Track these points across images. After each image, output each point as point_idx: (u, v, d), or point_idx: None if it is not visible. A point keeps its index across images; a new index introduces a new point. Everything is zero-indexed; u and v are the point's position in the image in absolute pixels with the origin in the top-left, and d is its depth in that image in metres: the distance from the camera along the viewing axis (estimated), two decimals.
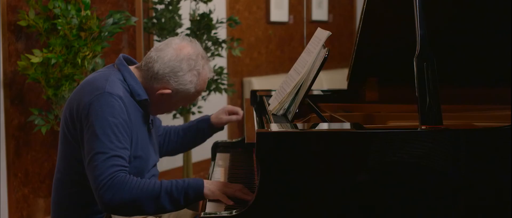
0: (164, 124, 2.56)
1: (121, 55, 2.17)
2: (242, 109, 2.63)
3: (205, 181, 1.96)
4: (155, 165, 2.26)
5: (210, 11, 4.31)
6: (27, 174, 3.57)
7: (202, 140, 2.57)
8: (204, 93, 4.39)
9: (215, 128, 2.53)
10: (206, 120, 2.53)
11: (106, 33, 3.34)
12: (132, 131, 2.03)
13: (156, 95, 2.10)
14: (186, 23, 4.42)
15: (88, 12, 3.22)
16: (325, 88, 3.37)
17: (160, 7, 4.30)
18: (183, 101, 2.17)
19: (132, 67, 2.14)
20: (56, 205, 2.16)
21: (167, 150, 2.52)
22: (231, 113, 2.54)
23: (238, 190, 1.95)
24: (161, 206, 1.91)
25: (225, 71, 4.51)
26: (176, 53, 2.08)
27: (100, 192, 1.90)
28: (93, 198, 2.05)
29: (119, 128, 1.96)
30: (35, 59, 3.14)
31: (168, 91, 2.09)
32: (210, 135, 2.55)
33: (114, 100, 1.98)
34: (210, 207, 1.97)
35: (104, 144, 1.92)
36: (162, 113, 2.23)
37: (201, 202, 2.06)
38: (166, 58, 2.07)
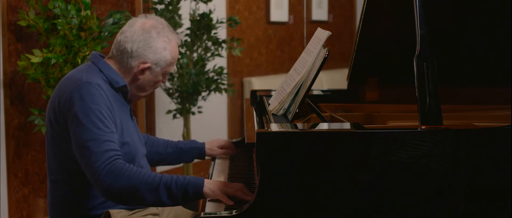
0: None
1: (93, 52, 2.22)
2: (242, 109, 2.63)
3: (206, 180, 1.97)
4: (144, 156, 2.26)
5: (210, 11, 4.30)
6: (27, 174, 3.57)
7: (186, 162, 2.61)
8: (204, 93, 4.39)
9: (204, 156, 2.59)
10: (200, 148, 2.56)
11: (106, 33, 3.34)
12: (116, 117, 2.05)
13: (137, 73, 2.13)
14: (186, 23, 4.42)
15: (88, 12, 3.22)
16: (325, 88, 3.37)
17: (160, 7, 4.30)
18: (162, 74, 2.18)
19: (105, 60, 2.17)
20: (52, 206, 2.17)
21: (152, 161, 2.53)
22: (223, 148, 2.58)
23: (238, 190, 1.95)
24: (159, 199, 1.92)
25: (225, 71, 4.51)
26: (142, 27, 2.13)
27: (99, 177, 1.91)
28: (88, 195, 2.07)
29: (103, 113, 1.99)
30: (35, 59, 3.14)
31: (148, 64, 2.12)
32: (193, 160, 2.60)
33: (94, 89, 2.01)
34: (210, 207, 1.97)
35: (92, 131, 1.95)
36: (143, 93, 2.22)
37: (201, 202, 2.06)
38: (135, 35, 2.11)
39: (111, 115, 2.02)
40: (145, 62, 2.12)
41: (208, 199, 2.01)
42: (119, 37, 2.14)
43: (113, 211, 2.10)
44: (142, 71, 2.13)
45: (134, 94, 2.20)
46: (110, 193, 1.93)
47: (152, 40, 2.11)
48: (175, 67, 4.30)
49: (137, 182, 1.91)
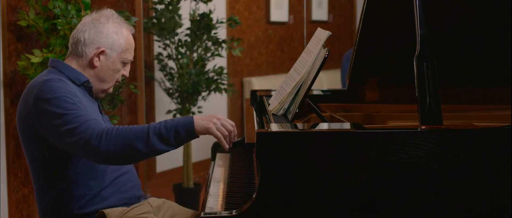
0: None
1: (50, 57, 2.27)
2: (242, 109, 2.63)
3: (196, 117, 1.96)
4: None
5: (210, 11, 4.30)
6: (27, 174, 3.57)
7: None
8: (204, 93, 4.39)
9: None
10: None
11: None
12: (84, 105, 2.07)
13: (94, 61, 2.15)
14: (186, 23, 4.42)
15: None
16: (325, 88, 3.37)
17: (160, 7, 4.30)
18: (120, 61, 2.19)
19: (64, 61, 2.20)
20: (43, 214, 2.17)
21: None
22: None
23: (227, 134, 1.95)
24: (153, 147, 1.91)
25: (225, 71, 4.51)
26: (92, 18, 2.19)
27: (91, 146, 1.91)
28: (75, 195, 2.09)
29: (71, 98, 2.01)
30: (35, 59, 3.14)
31: (102, 49, 2.14)
32: None
33: (55, 82, 2.04)
34: (210, 207, 1.97)
35: (67, 114, 1.97)
36: (105, 85, 2.22)
37: (201, 202, 2.06)
38: (85, 25, 2.17)
39: (77, 98, 2.04)
40: (99, 48, 2.15)
41: (208, 198, 2.00)
42: (73, 34, 2.19)
43: (107, 211, 2.10)
44: (98, 57, 2.15)
45: (98, 89, 2.21)
46: (107, 157, 1.92)
47: (102, 26, 2.15)
48: (175, 67, 4.31)
49: (128, 137, 1.91)
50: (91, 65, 2.16)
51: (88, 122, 1.95)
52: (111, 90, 2.25)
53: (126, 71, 2.22)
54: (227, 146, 1.95)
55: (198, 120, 1.93)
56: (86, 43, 2.15)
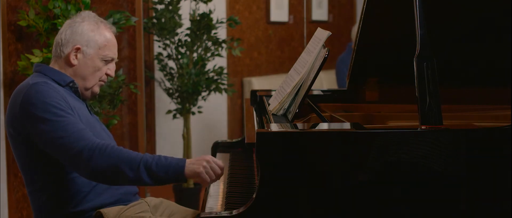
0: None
1: (34, 63, 2.29)
2: (242, 109, 2.63)
3: (188, 160, 1.96)
4: None
5: (210, 11, 4.30)
6: None
7: None
8: (204, 93, 4.39)
9: None
10: None
11: None
12: (72, 108, 2.07)
13: (71, 59, 2.16)
14: (186, 23, 4.42)
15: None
16: (325, 88, 3.37)
17: (160, 7, 4.30)
18: (99, 59, 2.19)
19: (48, 65, 2.22)
20: (39, 216, 2.17)
21: None
22: None
23: (215, 178, 1.95)
24: (140, 177, 1.93)
25: (225, 71, 4.51)
26: (70, 19, 2.23)
27: (80, 157, 1.92)
28: (68, 194, 2.09)
29: (59, 102, 2.02)
30: (35, 59, 3.14)
31: (78, 46, 2.16)
32: None
33: (41, 86, 2.05)
34: (210, 207, 1.97)
35: (56, 121, 1.97)
36: (88, 83, 2.22)
37: (201, 202, 2.06)
38: (63, 27, 2.21)
39: (66, 102, 2.05)
40: (74, 45, 2.17)
41: (208, 198, 2.00)
42: (56, 37, 2.22)
43: (104, 211, 2.10)
44: (76, 55, 2.17)
45: (82, 88, 2.21)
46: (94, 172, 1.93)
47: (78, 25, 2.18)
48: (175, 67, 4.31)
49: (119, 160, 1.92)
50: (68, 63, 2.17)
51: (79, 132, 1.96)
52: (97, 90, 2.24)
53: (110, 70, 2.22)
54: (209, 186, 1.97)
55: (189, 164, 1.94)
56: (63, 43, 2.17)
